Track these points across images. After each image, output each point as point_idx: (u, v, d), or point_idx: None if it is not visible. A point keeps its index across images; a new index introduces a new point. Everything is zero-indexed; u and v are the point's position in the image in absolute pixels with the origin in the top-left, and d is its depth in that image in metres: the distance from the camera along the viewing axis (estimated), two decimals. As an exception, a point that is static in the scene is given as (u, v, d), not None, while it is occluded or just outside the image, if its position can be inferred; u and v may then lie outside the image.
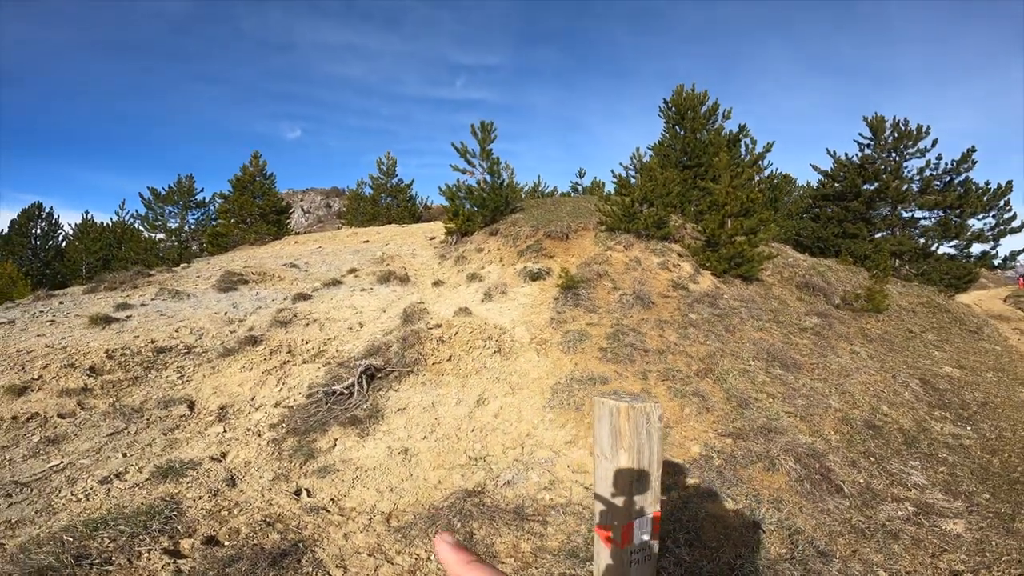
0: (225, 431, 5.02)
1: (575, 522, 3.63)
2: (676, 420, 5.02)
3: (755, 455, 4.40)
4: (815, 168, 16.91)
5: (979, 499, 4.19)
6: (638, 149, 12.48)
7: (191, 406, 5.47)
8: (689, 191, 13.61)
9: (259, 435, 4.95)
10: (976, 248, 14.17)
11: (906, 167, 15.13)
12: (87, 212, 22.59)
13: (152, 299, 8.83)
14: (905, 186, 14.75)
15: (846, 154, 16.26)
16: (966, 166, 14.19)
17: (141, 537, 3.12)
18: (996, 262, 14.08)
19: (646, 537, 1.62)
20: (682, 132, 15.16)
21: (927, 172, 14.66)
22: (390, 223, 21.37)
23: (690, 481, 4.10)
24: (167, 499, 3.66)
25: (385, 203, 23.42)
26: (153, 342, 6.70)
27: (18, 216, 21.71)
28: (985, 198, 13.78)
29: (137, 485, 3.93)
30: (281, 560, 3.06)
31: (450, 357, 6.39)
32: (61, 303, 8.63)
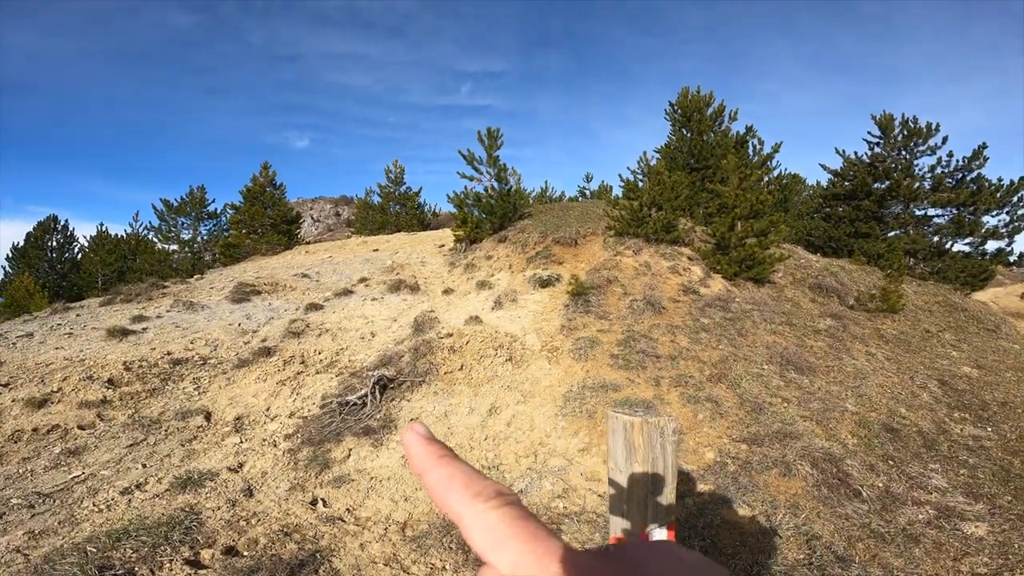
0: (241, 441, 5.08)
1: (589, 530, 3.63)
2: (690, 426, 4.99)
3: (771, 460, 4.36)
4: (824, 167, 16.77)
5: (1001, 501, 4.12)
6: (645, 153, 12.47)
7: (208, 417, 5.54)
8: (697, 194, 13.56)
9: (275, 445, 5.00)
10: (991, 245, 13.97)
11: (917, 165, 14.97)
12: (102, 224, 22.95)
13: (167, 311, 8.97)
14: (917, 184, 14.58)
15: (855, 153, 16.12)
16: (977, 163, 14.01)
17: (162, 548, 3.17)
18: (1012, 259, 13.87)
19: (662, 548, 1.62)
20: (689, 134, 15.12)
21: (938, 170, 14.48)
22: (399, 231, 21.51)
23: (705, 488, 4.07)
24: (187, 509, 3.71)
25: (394, 211, 23.58)
26: (169, 354, 6.80)
27: (34, 229, 22.09)
28: (998, 194, 13.59)
29: (157, 496, 3.99)
30: (299, 570, 3.09)
31: (461, 366, 6.41)
32: (78, 315, 8.78)
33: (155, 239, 22.57)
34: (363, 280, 11.33)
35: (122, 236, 22.50)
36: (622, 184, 12.23)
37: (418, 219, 23.43)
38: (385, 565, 3.30)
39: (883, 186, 15.08)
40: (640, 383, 5.79)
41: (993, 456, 4.99)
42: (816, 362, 6.73)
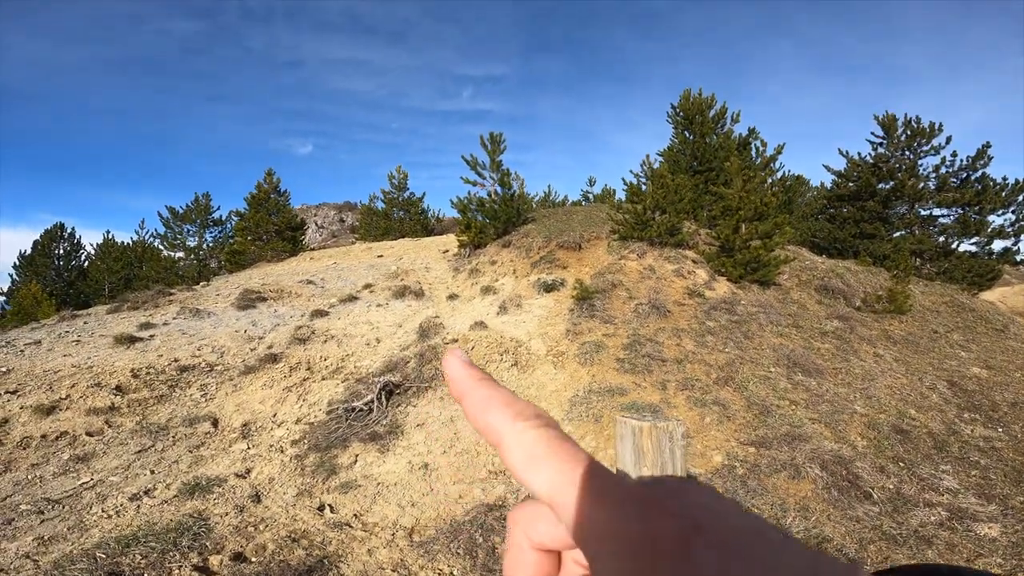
0: (249, 448, 5.09)
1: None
2: (697, 430, 4.97)
3: (779, 463, 4.34)
4: (828, 169, 16.73)
5: (1014, 502, 4.07)
6: (648, 156, 12.46)
7: (215, 423, 5.56)
8: (701, 196, 13.55)
9: (282, 451, 5.01)
10: (998, 244, 13.91)
11: (921, 165, 14.92)
12: (108, 232, 23.13)
13: (174, 318, 9.01)
14: (921, 184, 14.52)
15: (859, 153, 16.08)
16: (982, 162, 13.95)
17: (171, 553, 3.18)
18: (1019, 258, 13.80)
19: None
20: (691, 137, 15.13)
21: (943, 169, 14.43)
22: (403, 237, 21.57)
23: (714, 490, 4.05)
24: (195, 515, 3.71)
25: (398, 217, 23.65)
26: (176, 361, 6.83)
27: (41, 237, 22.29)
28: (1004, 193, 13.53)
29: (166, 502, 4.00)
30: (308, 576, 3.09)
31: (467, 369, 6.41)
32: (86, 323, 8.84)
33: (161, 246, 22.74)
34: (368, 286, 11.36)
35: (128, 244, 22.69)
36: (625, 187, 12.25)
37: (422, 224, 23.49)
38: (393, 571, 3.29)
39: (887, 186, 15.03)
40: (646, 387, 5.77)
41: (1005, 457, 4.94)
42: (824, 364, 6.69)
